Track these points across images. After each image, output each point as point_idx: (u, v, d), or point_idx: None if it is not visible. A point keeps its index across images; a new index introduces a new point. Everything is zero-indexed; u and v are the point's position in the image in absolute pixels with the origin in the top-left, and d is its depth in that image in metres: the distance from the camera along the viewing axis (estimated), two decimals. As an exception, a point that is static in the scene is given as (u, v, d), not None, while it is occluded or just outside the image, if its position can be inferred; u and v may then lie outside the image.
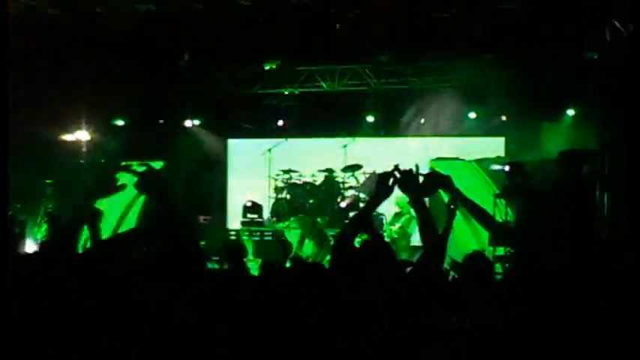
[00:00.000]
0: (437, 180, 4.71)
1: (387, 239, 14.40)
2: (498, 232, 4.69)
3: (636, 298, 3.91)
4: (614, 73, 12.41)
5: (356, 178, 16.47)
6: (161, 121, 17.71)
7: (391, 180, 4.55)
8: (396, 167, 4.56)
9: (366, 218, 4.78)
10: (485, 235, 13.70)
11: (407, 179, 4.55)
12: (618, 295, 3.99)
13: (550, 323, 3.88)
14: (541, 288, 4.20)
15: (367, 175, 16.28)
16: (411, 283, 4.39)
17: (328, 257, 12.90)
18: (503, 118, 15.88)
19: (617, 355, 3.71)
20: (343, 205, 15.99)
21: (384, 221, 14.95)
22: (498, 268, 13.14)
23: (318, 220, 15.58)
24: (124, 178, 4.58)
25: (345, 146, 16.83)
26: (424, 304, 4.09)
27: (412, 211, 14.11)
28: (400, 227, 14.33)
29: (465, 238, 13.59)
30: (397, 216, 14.52)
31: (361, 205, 15.98)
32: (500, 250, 13.52)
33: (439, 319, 4.00)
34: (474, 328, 4.05)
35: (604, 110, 13.11)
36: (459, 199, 4.73)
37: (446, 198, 4.96)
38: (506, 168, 14.06)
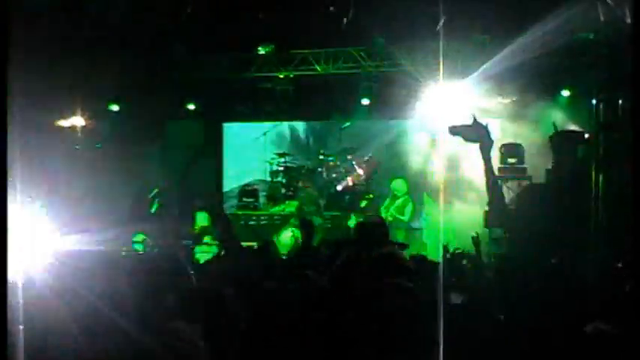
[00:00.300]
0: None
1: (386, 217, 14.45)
2: (494, 212, 4.71)
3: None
4: (609, 54, 12.42)
5: (351, 162, 16.47)
6: (155, 107, 17.64)
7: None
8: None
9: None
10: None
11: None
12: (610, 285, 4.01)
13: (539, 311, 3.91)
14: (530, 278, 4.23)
15: (366, 159, 16.28)
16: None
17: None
18: (500, 99, 15.83)
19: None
20: (339, 188, 16.01)
21: (379, 204, 14.98)
22: (495, 249, 13.17)
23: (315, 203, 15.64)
24: None
25: (342, 129, 16.85)
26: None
27: (408, 195, 14.15)
28: (396, 209, 14.34)
29: (464, 220, 13.65)
30: (393, 199, 14.53)
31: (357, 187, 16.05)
32: (496, 232, 13.53)
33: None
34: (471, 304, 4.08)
35: (599, 91, 13.13)
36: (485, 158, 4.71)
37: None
38: (504, 149, 14.09)
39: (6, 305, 3.66)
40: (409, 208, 14.29)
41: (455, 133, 4.64)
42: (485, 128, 4.66)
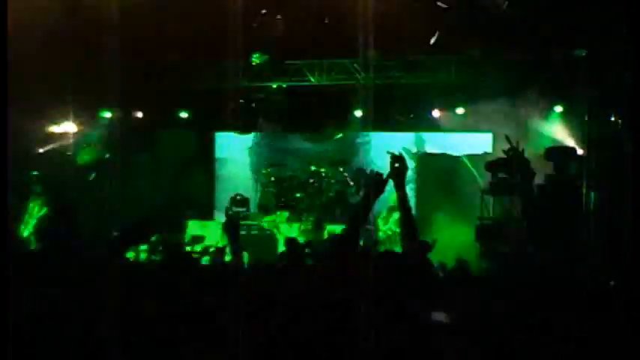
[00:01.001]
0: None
1: (381, 234, 14.36)
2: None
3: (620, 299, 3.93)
4: (602, 71, 12.47)
5: (342, 173, 16.50)
6: (146, 115, 17.62)
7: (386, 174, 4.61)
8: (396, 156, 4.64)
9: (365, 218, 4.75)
10: (470, 233, 13.78)
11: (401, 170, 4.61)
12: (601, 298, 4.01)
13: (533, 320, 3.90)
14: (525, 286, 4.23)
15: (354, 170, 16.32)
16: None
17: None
18: (492, 113, 15.87)
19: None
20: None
21: (375, 216, 14.92)
22: (484, 264, 13.19)
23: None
24: None
25: (334, 140, 16.88)
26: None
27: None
28: (395, 222, 14.17)
29: (451, 236, 13.66)
30: (390, 210, 14.35)
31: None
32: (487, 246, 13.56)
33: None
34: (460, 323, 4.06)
35: (591, 107, 13.19)
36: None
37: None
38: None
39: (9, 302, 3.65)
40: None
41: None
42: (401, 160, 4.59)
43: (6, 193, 4.54)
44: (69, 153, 16.82)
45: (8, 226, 4.02)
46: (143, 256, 11.21)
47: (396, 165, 4.61)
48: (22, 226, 14.30)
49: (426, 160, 16.08)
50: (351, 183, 16.20)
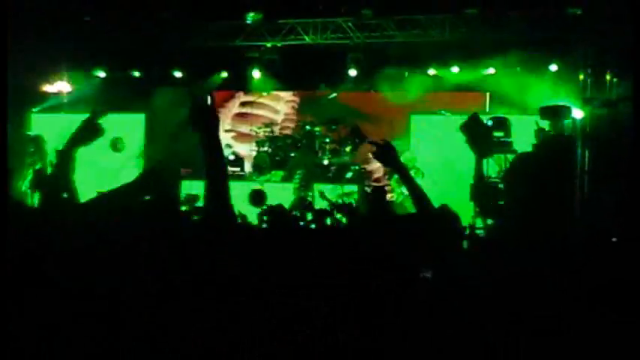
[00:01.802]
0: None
1: (394, 197, 14.32)
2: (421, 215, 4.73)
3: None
4: (598, 29, 12.46)
5: (337, 132, 16.48)
6: (140, 74, 17.56)
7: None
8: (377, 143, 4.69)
9: None
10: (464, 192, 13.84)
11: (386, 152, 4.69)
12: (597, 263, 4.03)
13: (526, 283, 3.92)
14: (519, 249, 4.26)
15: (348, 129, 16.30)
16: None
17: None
18: (489, 71, 15.84)
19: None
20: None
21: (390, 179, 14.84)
22: (479, 222, 13.25)
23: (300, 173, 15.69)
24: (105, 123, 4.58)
25: (329, 98, 16.83)
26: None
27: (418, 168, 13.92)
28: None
29: (444, 195, 13.70)
30: None
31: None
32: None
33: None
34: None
35: (587, 66, 13.19)
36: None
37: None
38: (490, 123, 14.11)
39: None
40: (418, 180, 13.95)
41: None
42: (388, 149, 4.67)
43: (6, 192, 4.53)
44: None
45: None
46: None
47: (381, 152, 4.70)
48: (20, 182, 14.43)
49: (416, 118, 16.09)
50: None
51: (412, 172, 13.78)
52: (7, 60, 4.59)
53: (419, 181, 13.01)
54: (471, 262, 4.54)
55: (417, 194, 4.55)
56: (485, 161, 13.89)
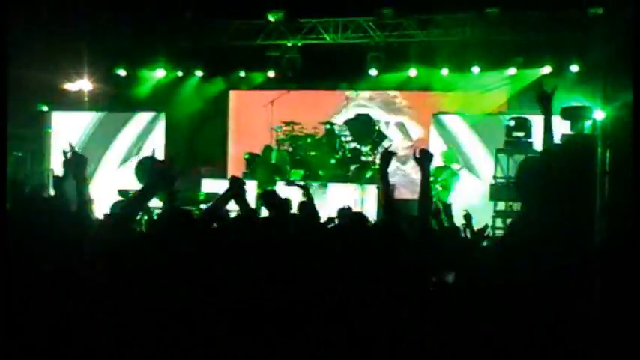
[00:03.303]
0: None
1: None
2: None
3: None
4: (619, 29, 12.38)
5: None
6: (162, 73, 17.62)
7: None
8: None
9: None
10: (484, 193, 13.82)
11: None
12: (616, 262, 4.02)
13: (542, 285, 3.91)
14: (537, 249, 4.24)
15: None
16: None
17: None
18: (509, 71, 15.81)
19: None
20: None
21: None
22: (498, 223, 13.24)
23: (320, 172, 15.68)
24: None
25: (348, 99, 16.84)
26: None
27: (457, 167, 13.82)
28: (444, 181, 13.83)
29: (463, 195, 13.66)
30: (440, 169, 14.00)
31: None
32: (501, 205, 13.59)
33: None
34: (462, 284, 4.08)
35: (608, 67, 13.11)
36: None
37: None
38: (511, 123, 14.07)
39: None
40: (457, 179, 13.81)
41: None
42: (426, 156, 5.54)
43: (6, 192, 4.61)
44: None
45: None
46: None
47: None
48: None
49: (439, 119, 16.02)
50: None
51: (449, 172, 13.65)
52: (7, 60, 4.63)
53: (455, 179, 12.82)
54: (489, 264, 4.55)
55: (424, 203, 5.22)
56: (506, 161, 13.98)
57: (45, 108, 16.92)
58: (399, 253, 4.07)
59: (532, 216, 4.75)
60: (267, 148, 15.73)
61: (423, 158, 5.51)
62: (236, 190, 5.15)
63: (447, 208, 7.56)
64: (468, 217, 7.34)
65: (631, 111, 10.95)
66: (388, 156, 5.79)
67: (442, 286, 4.02)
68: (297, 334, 3.59)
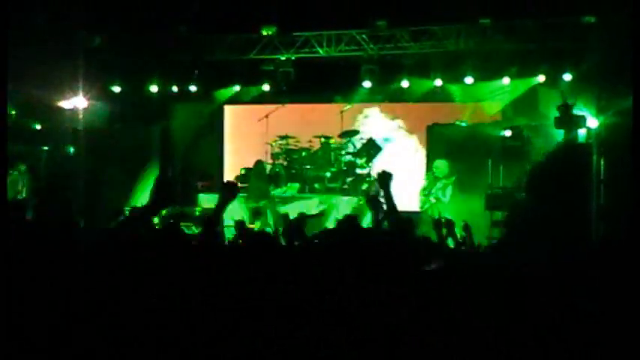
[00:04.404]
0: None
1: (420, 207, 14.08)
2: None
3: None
4: (612, 37, 12.43)
5: (353, 144, 16.49)
6: (156, 88, 17.57)
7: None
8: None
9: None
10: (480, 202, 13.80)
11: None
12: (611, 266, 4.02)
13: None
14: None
15: (364, 141, 16.32)
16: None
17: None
18: (503, 81, 15.81)
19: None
20: None
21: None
22: (495, 232, 13.22)
23: (316, 185, 15.73)
24: None
25: (342, 112, 16.82)
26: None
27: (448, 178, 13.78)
28: (438, 191, 13.78)
29: (459, 205, 13.65)
30: (434, 180, 14.04)
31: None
32: (497, 215, 13.58)
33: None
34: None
35: (601, 74, 13.15)
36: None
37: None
38: (507, 133, 14.09)
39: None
40: (449, 191, 13.77)
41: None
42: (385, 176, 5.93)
43: (5, 191, 4.61)
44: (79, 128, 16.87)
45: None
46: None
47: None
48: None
49: (434, 130, 16.00)
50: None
51: (443, 184, 13.63)
52: (7, 60, 4.65)
53: (449, 190, 12.84)
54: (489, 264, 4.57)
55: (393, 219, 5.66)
56: (501, 171, 13.99)
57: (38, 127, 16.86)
58: (399, 256, 4.08)
59: (533, 206, 4.78)
60: (259, 162, 15.81)
61: (383, 178, 5.86)
62: (231, 195, 5.14)
63: (449, 222, 7.52)
64: (467, 228, 7.35)
65: (625, 118, 10.98)
66: (386, 178, 5.88)
67: (441, 285, 4.01)
68: (297, 334, 3.59)
